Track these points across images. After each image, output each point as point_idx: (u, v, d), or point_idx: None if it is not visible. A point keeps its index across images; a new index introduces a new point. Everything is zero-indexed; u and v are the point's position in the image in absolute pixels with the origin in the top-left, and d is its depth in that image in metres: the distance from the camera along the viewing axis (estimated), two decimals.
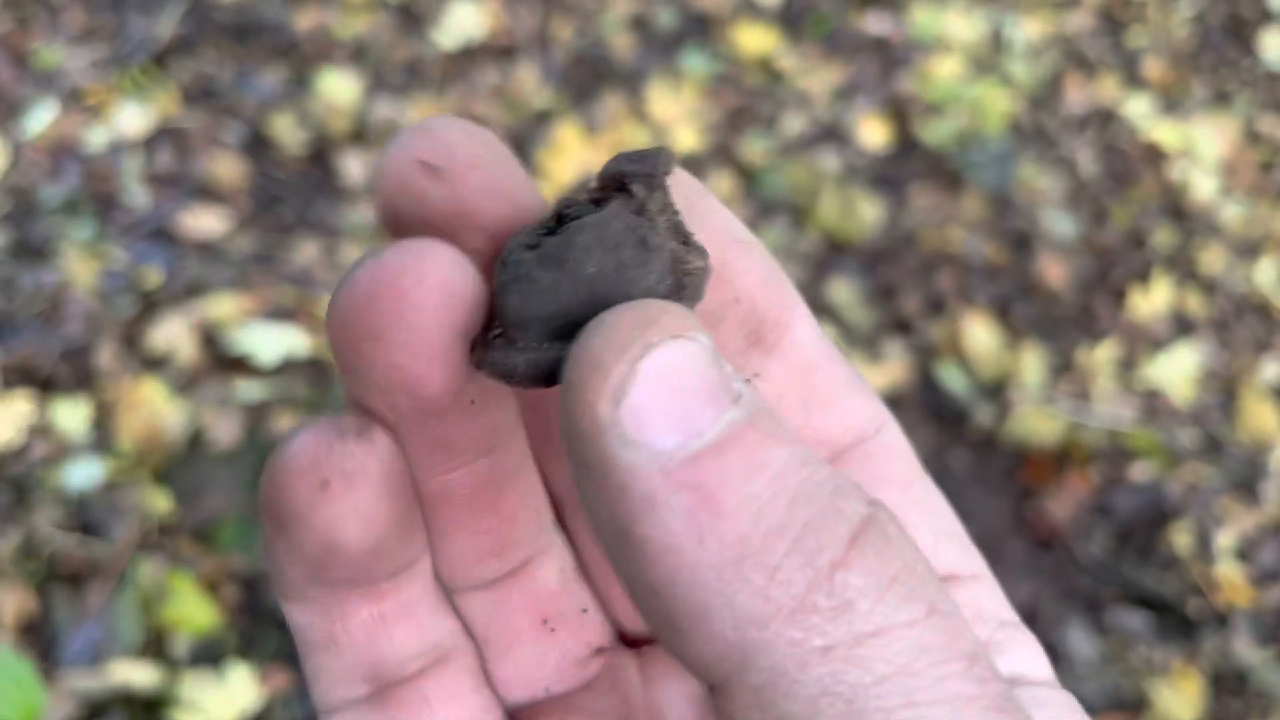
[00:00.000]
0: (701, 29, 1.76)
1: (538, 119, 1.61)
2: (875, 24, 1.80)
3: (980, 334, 1.44)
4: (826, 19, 1.80)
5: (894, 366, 1.41)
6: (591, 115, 1.61)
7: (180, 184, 1.48)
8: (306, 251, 1.42)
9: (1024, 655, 0.29)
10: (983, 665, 0.21)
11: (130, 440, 1.22)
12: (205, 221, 1.43)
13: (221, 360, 1.31)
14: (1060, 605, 1.28)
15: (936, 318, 1.47)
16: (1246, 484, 1.37)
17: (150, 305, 1.34)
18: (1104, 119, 1.73)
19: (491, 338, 0.24)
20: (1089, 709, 0.36)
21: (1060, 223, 1.59)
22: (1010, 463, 1.37)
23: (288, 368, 1.30)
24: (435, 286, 0.24)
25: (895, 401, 1.38)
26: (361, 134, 1.55)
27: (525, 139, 1.58)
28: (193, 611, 1.11)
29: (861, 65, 1.75)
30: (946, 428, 1.39)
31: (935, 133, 1.66)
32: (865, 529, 0.21)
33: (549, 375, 0.23)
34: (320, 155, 1.53)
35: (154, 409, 1.24)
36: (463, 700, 0.28)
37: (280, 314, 1.34)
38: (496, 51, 1.68)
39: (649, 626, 0.21)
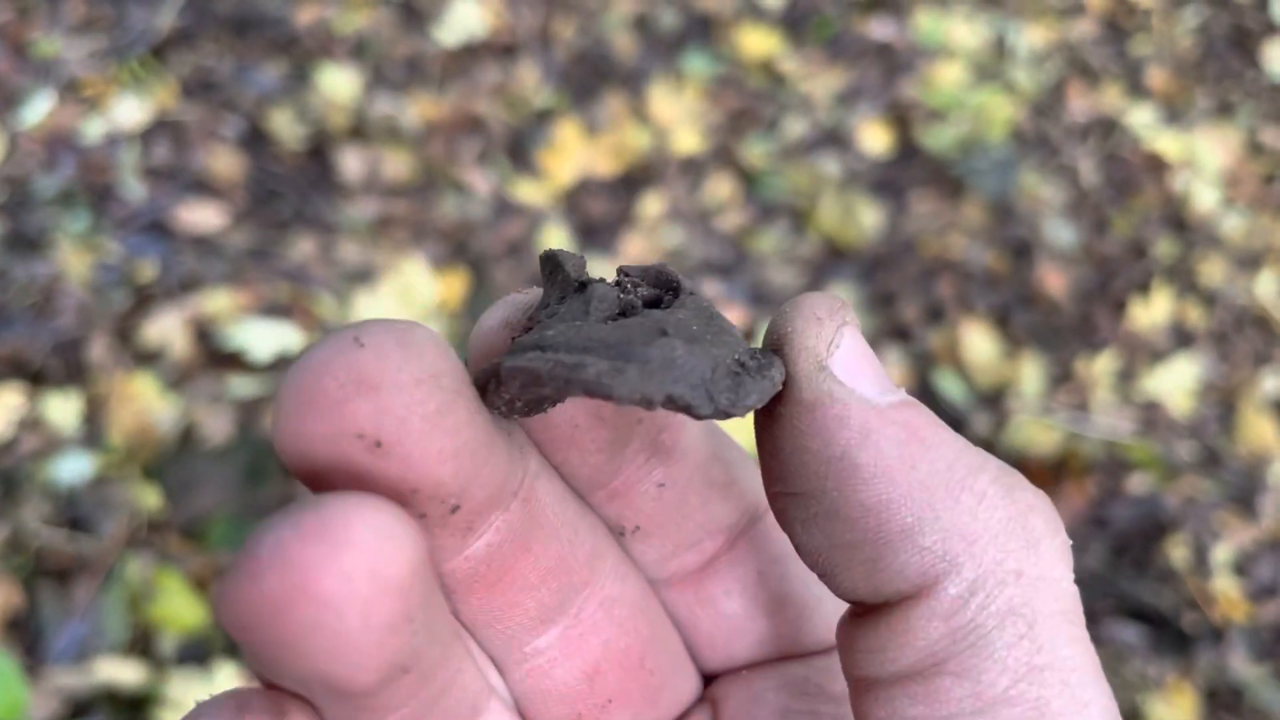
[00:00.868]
0: (704, 30, 1.75)
1: (538, 118, 1.60)
2: (878, 29, 1.79)
3: (979, 342, 1.43)
4: (830, 23, 1.79)
5: (892, 373, 1.40)
6: (592, 115, 1.61)
7: (177, 177, 1.47)
8: (303, 247, 1.41)
9: None
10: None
11: (121, 435, 1.21)
12: (201, 215, 1.43)
13: (215, 356, 1.30)
14: None
15: (935, 325, 1.46)
16: (1244, 498, 1.36)
17: (144, 299, 1.34)
18: (1106, 128, 1.73)
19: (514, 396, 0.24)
20: None
21: (1061, 231, 1.58)
22: None
23: (281, 364, 1.29)
24: (365, 577, 0.20)
25: None
26: (361, 130, 1.55)
27: (525, 138, 1.57)
28: (180, 609, 1.10)
29: (864, 70, 1.75)
30: None
31: (937, 139, 1.65)
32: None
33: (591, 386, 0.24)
34: (318, 151, 1.53)
35: (145, 404, 1.23)
36: None
37: (275, 310, 1.33)
38: (498, 49, 1.68)
39: (838, 552, 0.24)
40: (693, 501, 0.30)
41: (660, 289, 0.27)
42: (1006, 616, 0.23)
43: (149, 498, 1.17)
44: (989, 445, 1.37)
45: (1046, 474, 1.36)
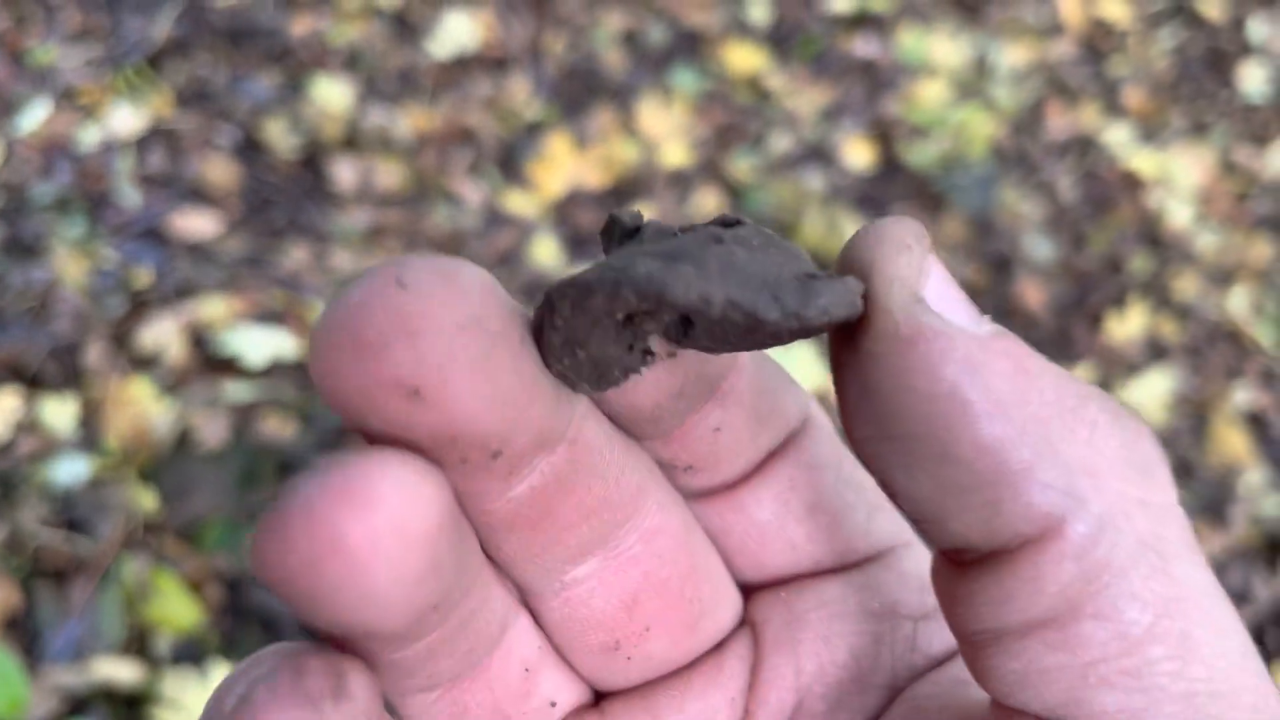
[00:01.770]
0: (692, 47, 1.78)
1: (529, 130, 1.62)
2: (863, 47, 1.83)
3: None
4: (815, 40, 1.82)
5: None
6: (582, 128, 1.63)
7: (172, 185, 1.48)
8: (297, 255, 1.43)
9: None
10: None
11: (117, 439, 1.22)
12: (196, 223, 1.44)
13: (210, 361, 1.31)
14: None
15: None
16: (1216, 507, 1.40)
17: (140, 305, 1.35)
18: (1084, 146, 1.76)
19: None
20: None
21: (1040, 247, 1.62)
22: None
23: (276, 370, 1.31)
24: (391, 534, 0.20)
25: None
26: (354, 140, 1.57)
27: (516, 149, 1.60)
28: (176, 610, 1.12)
29: (848, 87, 1.78)
30: None
31: (919, 155, 1.69)
32: None
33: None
34: (312, 160, 1.55)
35: (142, 408, 1.24)
36: None
37: (269, 317, 1.35)
38: (489, 62, 1.70)
39: (951, 497, 0.22)
40: (744, 439, 0.29)
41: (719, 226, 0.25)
42: (1139, 549, 0.21)
43: (145, 500, 1.19)
44: None
45: None
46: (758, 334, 0.22)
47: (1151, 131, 1.80)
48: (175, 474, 1.22)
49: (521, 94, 1.66)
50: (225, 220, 1.46)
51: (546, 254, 1.49)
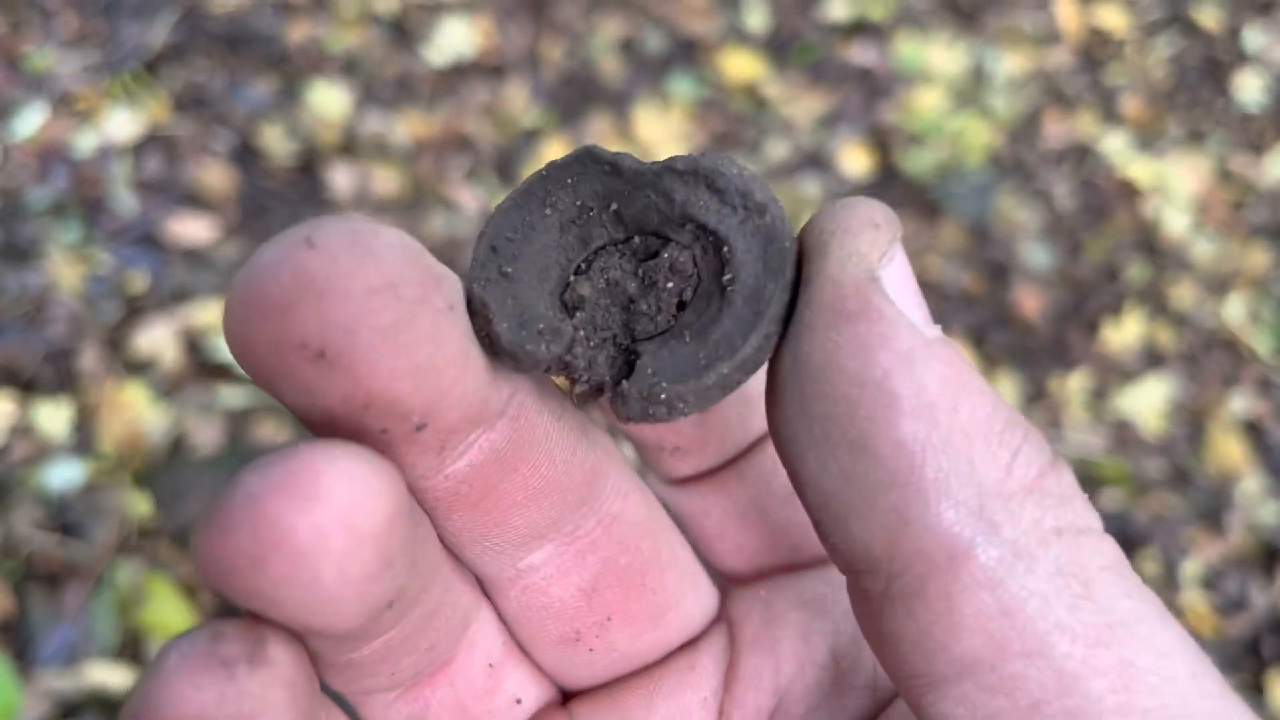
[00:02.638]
0: (689, 54, 1.78)
1: (526, 137, 1.62)
2: (860, 54, 1.83)
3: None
4: (812, 48, 1.82)
5: None
6: (579, 135, 1.63)
7: (168, 191, 1.48)
8: None
9: None
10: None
11: (112, 443, 1.22)
12: (192, 228, 1.44)
13: (205, 367, 1.31)
14: None
15: None
16: (1212, 514, 1.39)
17: (135, 310, 1.35)
18: (1081, 154, 1.76)
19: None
20: None
21: (1036, 254, 1.62)
22: None
23: None
24: (338, 530, 0.19)
25: None
26: (350, 146, 1.57)
27: (513, 156, 1.60)
28: (170, 615, 1.11)
29: (845, 95, 1.78)
30: None
31: (916, 163, 1.69)
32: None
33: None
34: (308, 166, 1.55)
35: (136, 413, 1.24)
36: None
37: None
38: (486, 69, 1.70)
39: (857, 493, 0.21)
40: (732, 419, 0.29)
41: None
42: (1058, 578, 0.20)
43: (139, 505, 1.18)
44: None
45: None
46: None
47: (1148, 140, 1.80)
48: (169, 479, 1.21)
49: (519, 100, 1.66)
50: (221, 226, 1.46)
51: None
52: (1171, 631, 0.21)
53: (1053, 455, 0.22)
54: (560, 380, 0.25)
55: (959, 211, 1.64)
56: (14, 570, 1.14)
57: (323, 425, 0.21)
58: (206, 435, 1.25)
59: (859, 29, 1.86)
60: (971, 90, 1.80)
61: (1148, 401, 1.47)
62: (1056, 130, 1.78)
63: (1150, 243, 1.67)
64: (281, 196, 1.51)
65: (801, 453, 0.22)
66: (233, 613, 0.22)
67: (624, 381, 0.23)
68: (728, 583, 0.32)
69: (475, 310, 0.23)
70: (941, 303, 1.54)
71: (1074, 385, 1.48)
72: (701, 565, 0.31)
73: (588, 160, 0.24)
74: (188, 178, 1.49)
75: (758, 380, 0.26)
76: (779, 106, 1.73)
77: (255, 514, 0.19)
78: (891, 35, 1.85)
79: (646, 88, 1.72)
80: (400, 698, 0.26)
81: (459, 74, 1.69)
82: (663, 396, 0.23)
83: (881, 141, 1.72)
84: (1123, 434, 1.46)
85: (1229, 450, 1.45)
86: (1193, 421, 1.48)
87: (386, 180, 1.54)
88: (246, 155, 1.54)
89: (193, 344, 1.33)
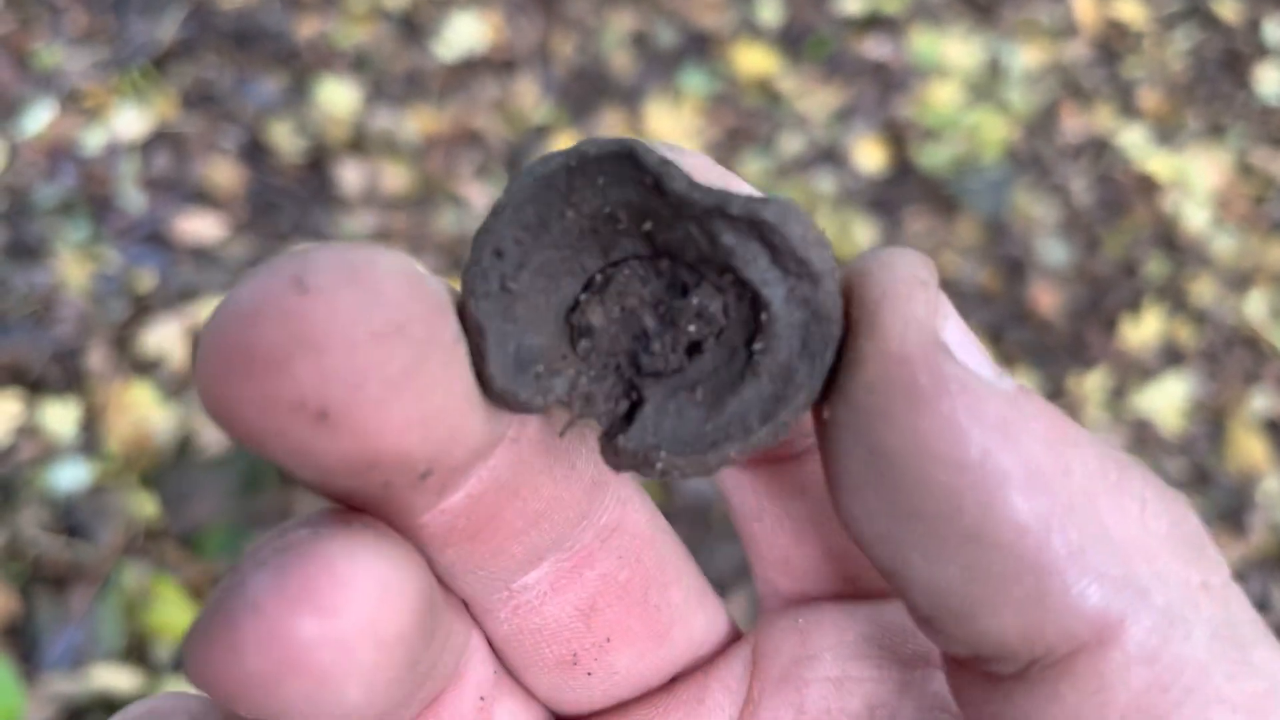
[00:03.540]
0: (701, 48, 1.76)
1: (537, 132, 1.61)
2: (875, 48, 1.81)
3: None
4: (826, 42, 1.81)
5: None
6: (590, 130, 1.62)
7: (176, 188, 1.47)
8: None
9: None
10: None
11: (119, 444, 1.21)
12: (200, 226, 1.43)
13: None
14: None
15: None
16: (1234, 515, 1.37)
17: (143, 309, 1.34)
18: (1099, 148, 1.74)
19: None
20: None
21: (1054, 250, 1.60)
22: None
23: None
24: (366, 644, 0.17)
25: None
26: (360, 143, 1.56)
27: (524, 152, 1.59)
28: (176, 617, 1.10)
29: (860, 89, 1.76)
30: None
31: (932, 158, 1.67)
32: None
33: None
34: (318, 163, 1.54)
35: (143, 413, 1.23)
36: None
37: None
38: (497, 64, 1.69)
39: (984, 588, 0.19)
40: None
41: None
42: (1215, 643, 0.18)
43: (146, 506, 1.17)
44: None
45: None
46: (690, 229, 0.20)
47: (1167, 134, 1.78)
48: (176, 480, 1.20)
49: (529, 96, 1.65)
50: (230, 223, 1.45)
51: None
52: None
53: (1178, 496, 0.20)
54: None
55: (975, 207, 1.63)
56: (20, 572, 1.13)
57: (316, 484, 0.19)
58: (214, 435, 1.24)
59: (873, 22, 1.84)
60: (988, 84, 1.78)
61: (1167, 400, 1.46)
62: (1074, 124, 1.76)
63: (1169, 238, 1.65)
64: (290, 194, 1.50)
65: (903, 554, 0.19)
66: None
67: (620, 436, 0.21)
68: (764, 605, 0.29)
69: (468, 330, 0.20)
70: (958, 300, 1.52)
71: (1092, 383, 1.46)
72: (708, 585, 0.28)
73: (627, 164, 0.20)
74: (196, 175, 1.48)
75: None
76: (793, 101, 1.72)
77: (267, 631, 0.17)
78: (906, 29, 1.83)
79: (658, 83, 1.70)
80: None
81: (469, 69, 1.68)
82: (658, 465, 0.20)
83: (896, 136, 1.70)
84: (1142, 433, 1.44)
85: (1250, 449, 1.43)
86: (1213, 420, 1.47)
87: (396, 177, 1.52)
88: (255, 152, 1.53)
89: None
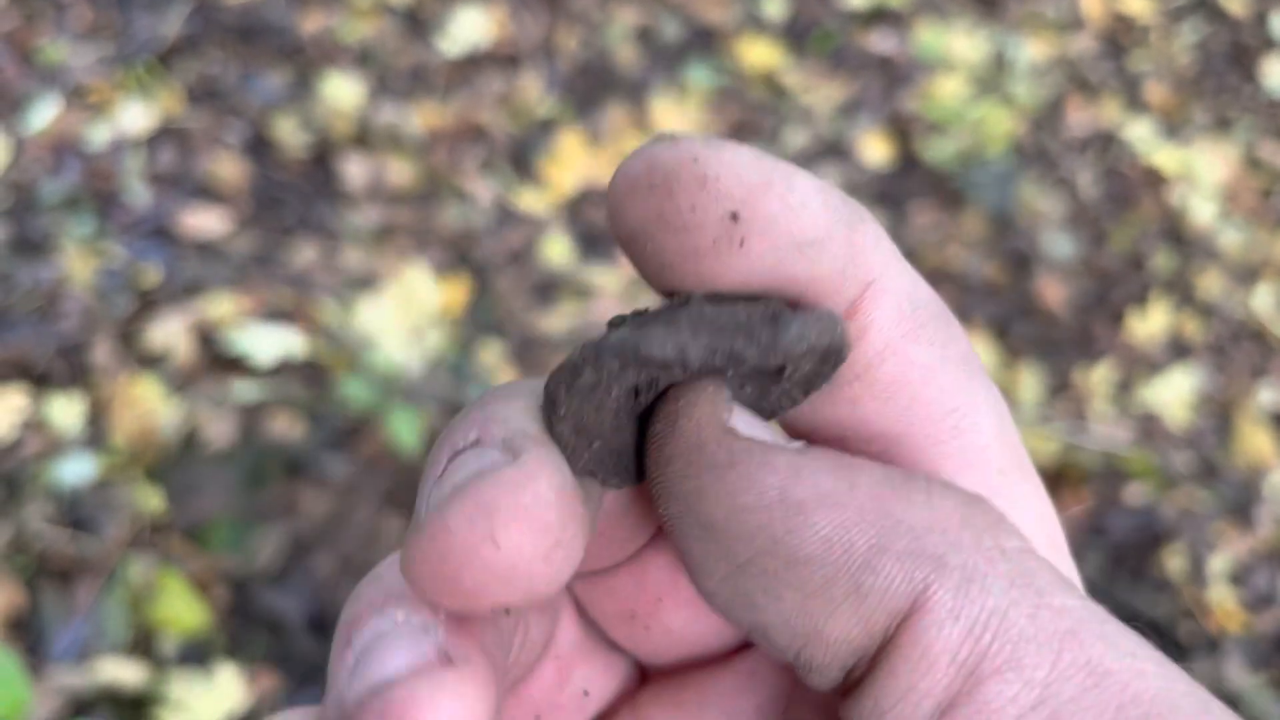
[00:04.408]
0: (706, 42, 1.76)
1: (541, 127, 1.61)
2: (879, 42, 1.81)
3: (979, 352, 1.44)
4: (831, 36, 1.80)
5: None
6: (595, 125, 1.62)
7: (181, 183, 1.47)
8: (306, 254, 1.42)
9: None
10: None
11: (124, 438, 1.21)
12: (205, 221, 1.43)
13: (218, 360, 1.30)
14: None
15: None
16: (1240, 509, 1.37)
17: (148, 303, 1.34)
18: (1105, 142, 1.74)
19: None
20: None
21: (1060, 244, 1.59)
22: None
23: (284, 369, 1.30)
24: None
25: None
26: (364, 138, 1.56)
27: (528, 147, 1.58)
28: (182, 611, 1.11)
29: (865, 83, 1.76)
30: None
31: (937, 151, 1.67)
32: None
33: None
34: (322, 158, 1.54)
35: (149, 407, 1.23)
36: None
37: (278, 315, 1.34)
38: (501, 59, 1.69)
39: (816, 601, 0.21)
40: None
41: None
42: (1013, 591, 0.21)
43: (151, 500, 1.18)
44: None
45: (1044, 483, 1.36)
46: (751, 380, 0.23)
47: (1174, 127, 1.77)
48: (182, 474, 1.20)
49: (534, 91, 1.65)
50: (234, 218, 1.45)
51: (558, 252, 1.47)
52: (1123, 631, 0.22)
53: (969, 490, 0.23)
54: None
55: (981, 201, 1.62)
56: (26, 566, 1.13)
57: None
58: (219, 430, 1.24)
59: (879, 16, 1.84)
60: (993, 77, 1.78)
61: (1174, 393, 1.45)
62: (1080, 118, 1.76)
63: (1176, 232, 1.64)
64: (295, 188, 1.50)
65: (752, 601, 0.22)
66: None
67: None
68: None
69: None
70: (963, 294, 1.52)
71: (1099, 377, 1.45)
72: None
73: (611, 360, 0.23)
74: (201, 170, 1.49)
75: None
76: (798, 95, 1.71)
77: None
78: (912, 22, 1.82)
79: (663, 77, 1.70)
80: None
81: (473, 64, 1.67)
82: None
83: (902, 130, 1.70)
84: (1149, 426, 1.43)
85: (1257, 443, 1.42)
86: (1220, 414, 1.46)
87: (400, 171, 1.52)
88: (260, 147, 1.53)
89: (206, 337, 1.32)
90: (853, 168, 1.64)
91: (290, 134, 1.53)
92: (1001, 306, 1.52)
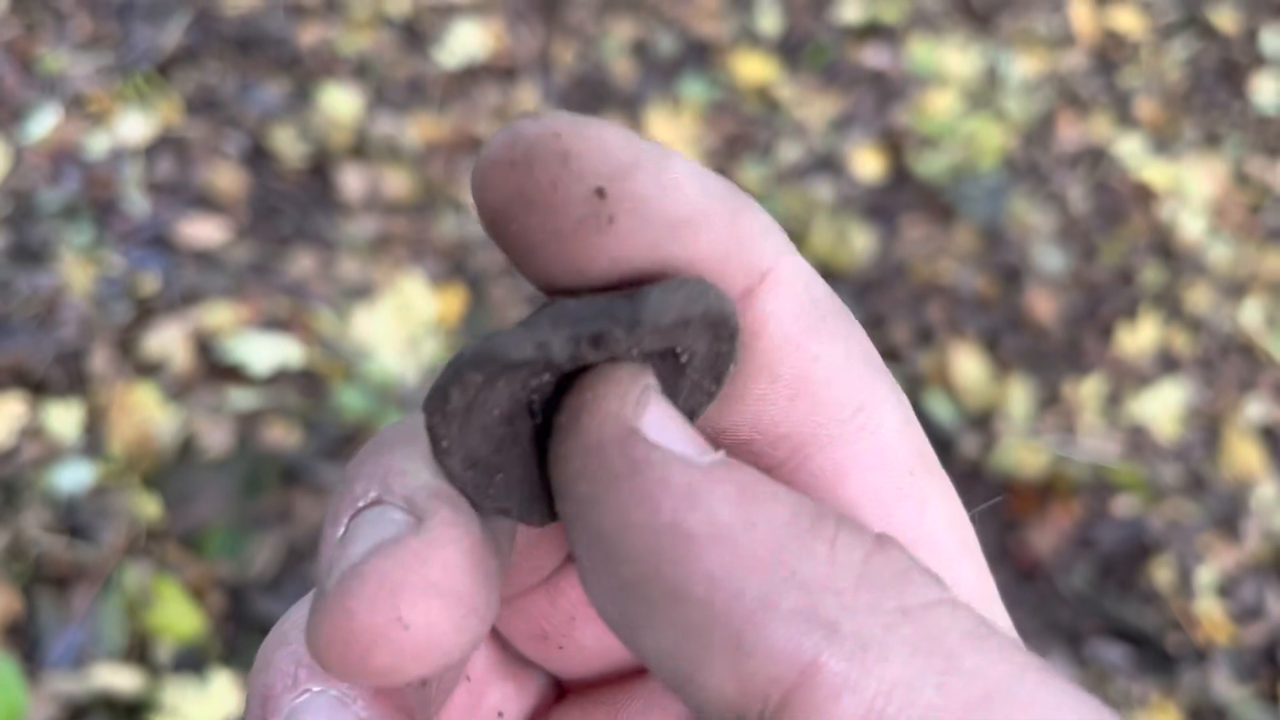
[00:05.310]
0: (701, 56, 1.78)
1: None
2: (873, 57, 1.82)
3: (968, 365, 1.45)
4: (825, 50, 1.82)
5: None
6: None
7: (180, 192, 1.48)
8: (303, 263, 1.43)
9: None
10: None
11: (121, 445, 1.22)
12: (203, 230, 1.44)
13: (215, 368, 1.31)
14: (1041, 637, 1.29)
15: (925, 348, 1.48)
16: (1228, 521, 1.38)
17: (145, 311, 1.35)
18: (1095, 157, 1.75)
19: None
20: None
21: (1050, 258, 1.61)
22: (995, 493, 1.38)
23: (280, 378, 1.31)
24: None
25: None
26: (361, 149, 1.57)
27: None
28: (178, 618, 1.11)
29: (858, 97, 1.77)
30: None
31: (929, 165, 1.68)
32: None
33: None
34: (320, 169, 1.55)
35: (146, 414, 1.24)
36: None
37: (275, 324, 1.35)
38: (498, 72, 1.70)
39: (693, 644, 0.19)
40: None
41: None
42: (917, 659, 0.19)
43: (148, 507, 1.18)
44: (977, 466, 1.39)
45: (1033, 495, 1.37)
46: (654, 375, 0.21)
47: (1164, 143, 1.79)
48: (178, 481, 1.21)
49: (530, 103, 1.66)
50: (232, 227, 1.46)
51: None
52: (1057, 690, 0.20)
53: (875, 535, 0.20)
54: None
55: (972, 214, 1.63)
56: (22, 572, 1.14)
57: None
58: (216, 437, 1.25)
59: (872, 31, 1.85)
60: (985, 93, 1.79)
61: (1163, 406, 1.46)
62: (1071, 133, 1.77)
63: (1166, 246, 1.65)
64: (292, 198, 1.51)
65: (631, 622, 0.20)
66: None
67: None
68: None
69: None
70: (954, 307, 1.53)
71: (1088, 390, 1.47)
72: None
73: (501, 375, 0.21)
74: (199, 180, 1.49)
75: None
76: (791, 109, 1.73)
77: None
78: (904, 37, 1.84)
79: (658, 90, 1.71)
80: None
81: (470, 76, 1.69)
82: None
83: (894, 144, 1.71)
84: (1138, 439, 1.45)
85: (1245, 456, 1.43)
86: (1209, 427, 1.47)
87: (397, 182, 1.53)
88: (258, 157, 1.54)
89: (203, 346, 1.33)
90: (845, 181, 1.65)
91: (288, 144, 1.55)
92: (992, 319, 1.53)
